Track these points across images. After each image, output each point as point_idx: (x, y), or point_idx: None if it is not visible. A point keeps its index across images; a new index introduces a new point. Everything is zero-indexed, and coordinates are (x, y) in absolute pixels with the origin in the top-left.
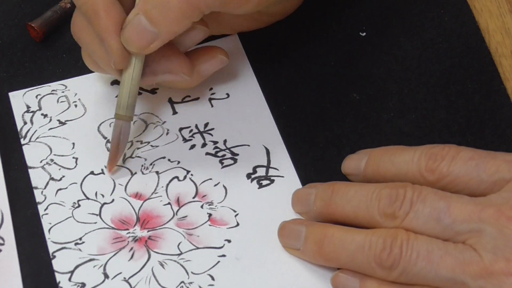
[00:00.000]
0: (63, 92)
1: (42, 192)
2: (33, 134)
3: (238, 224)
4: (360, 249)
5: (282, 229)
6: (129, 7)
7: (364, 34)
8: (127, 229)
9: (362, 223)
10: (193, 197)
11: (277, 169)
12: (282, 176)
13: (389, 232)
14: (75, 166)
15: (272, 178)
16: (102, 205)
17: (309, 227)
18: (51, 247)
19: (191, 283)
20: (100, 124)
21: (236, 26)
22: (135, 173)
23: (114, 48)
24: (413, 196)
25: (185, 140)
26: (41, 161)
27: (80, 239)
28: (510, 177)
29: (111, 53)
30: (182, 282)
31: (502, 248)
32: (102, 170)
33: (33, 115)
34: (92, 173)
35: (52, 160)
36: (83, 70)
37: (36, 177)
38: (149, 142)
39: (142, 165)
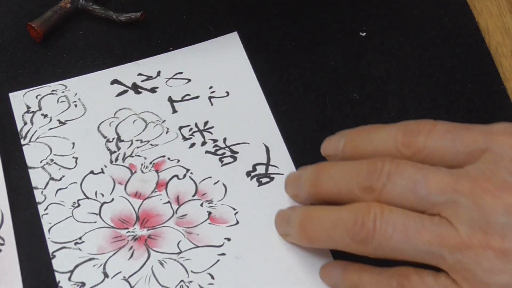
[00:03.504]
0: (63, 92)
1: (42, 192)
2: (33, 135)
3: (237, 222)
4: (335, 225)
5: (277, 217)
6: None
7: (364, 34)
8: (127, 228)
9: (345, 199)
10: (193, 196)
11: (277, 167)
12: (282, 174)
13: (362, 205)
14: (75, 166)
15: (271, 176)
16: (102, 204)
17: (295, 210)
18: (51, 247)
19: (190, 282)
20: (100, 124)
21: None
22: (135, 172)
23: None
24: (390, 168)
25: (184, 138)
26: (41, 161)
27: (80, 238)
28: (486, 147)
29: None
30: (182, 281)
31: (478, 220)
32: (101, 169)
33: (33, 116)
34: (92, 172)
35: (52, 160)
36: (83, 70)
37: (36, 177)
38: (149, 141)
39: (142, 164)
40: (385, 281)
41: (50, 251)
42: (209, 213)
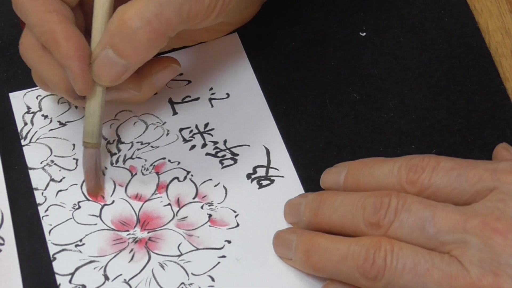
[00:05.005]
0: None
1: (42, 193)
2: (33, 135)
3: (238, 225)
4: (344, 259)
5: (276, 238)
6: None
7: (364, 34)
8: (127, 230)
9: (349, 232)
10: (193, 198)
11: (277, 169)
12: (282, 176)
13: (372, 241)
14: (75, 167)
15: (272, 178)
16: (103, 206)
17: (299, 236)
18: (52, 249)
19: (191, 284)
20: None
21: (198, 38)
22: (135, 174)
23: (78, 76)
24: (397, 204)
25: (185, 140)
26: (41, 162)
27: (81, 240)
28: (493, 186)
29: (75, 80)
30: (182, 283)
31: (488, 261)
32: (102, 171)
33: (33, 116)
34: None
35: (52, 161)
36: None
37: (37, 178)
38: (149, 143)
39: (142, 166)
40: None
41: (51, 253)
42: (210, 215)
